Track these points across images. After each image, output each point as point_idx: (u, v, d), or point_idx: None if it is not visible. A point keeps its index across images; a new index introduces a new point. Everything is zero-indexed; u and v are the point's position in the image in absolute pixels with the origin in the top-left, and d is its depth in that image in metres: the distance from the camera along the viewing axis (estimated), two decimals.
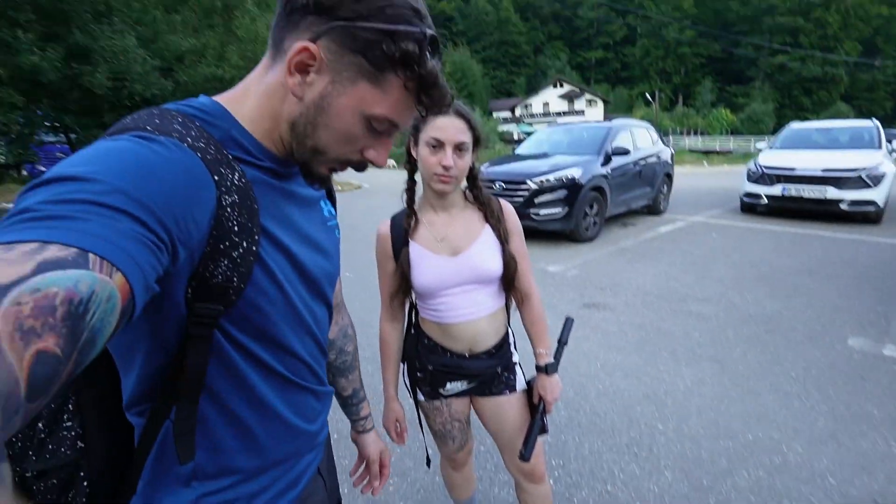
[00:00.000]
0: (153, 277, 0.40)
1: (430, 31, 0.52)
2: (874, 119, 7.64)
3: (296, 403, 0.66)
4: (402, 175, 1.19)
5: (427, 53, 0.52)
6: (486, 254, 1.14)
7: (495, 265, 1.15)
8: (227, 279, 0.51)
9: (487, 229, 1.17)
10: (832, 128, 7.72)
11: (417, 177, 1.18)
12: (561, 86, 52.30)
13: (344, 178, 14.51)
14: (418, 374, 1.26)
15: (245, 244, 0.52)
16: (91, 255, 0.34)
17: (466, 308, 1.16)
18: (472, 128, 1.09)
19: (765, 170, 6.95)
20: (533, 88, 57.91)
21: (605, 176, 6.05)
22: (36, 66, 9.61)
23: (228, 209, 0.50)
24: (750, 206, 7.41)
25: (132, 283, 0.37)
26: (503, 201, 1.24)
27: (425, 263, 1.14)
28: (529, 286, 1.24)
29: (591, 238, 5.96)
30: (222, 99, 0.58)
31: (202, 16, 14.58)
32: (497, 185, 5.83)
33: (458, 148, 1.06)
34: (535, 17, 70.67)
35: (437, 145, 1.06)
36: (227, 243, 0.50)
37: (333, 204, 0.77)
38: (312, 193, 0.69)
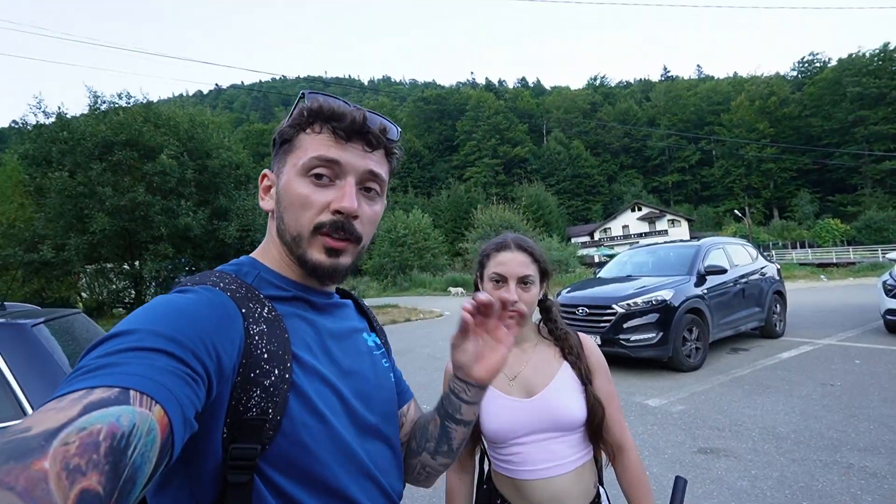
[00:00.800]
0: (192, 412, 0.42)
1: (300, 93, 0.63)
2: None
3: None
4: None
5: (307, 102, 0.61)
6: (565, 395, 1.01)
7: (577, 408, 1.00)
8: (262, 411, 0.50)
9: (566, 367, 1.05)
10: None
11: None
12: (639, 209, 52.49)
13: (426, 307, 15.01)
14: None
15: (277, 371, 0.52)
16: (132, 392, 0.37)
17: (544, 461, 0.99)
18: (536, 260, 1.05)
19: None
20: (610, 213, 58.73)
21: (700, 297, 5.54)
22: (188, 224, 12.12)
23: (257, 337, 0.53)
24: None
25: (170, 415, 0.38)
26: (583, 335, 1.14)
27: (496, 405, 1.02)
28: (623, 436, 1.05)
29: (696, 366, 5.23)
30: (254, 252, 0.68)
31: None
32: (580, 311, 5.57)
33: (523, 281, 1.02)
34: (605, 151, 75.20)
35: (501, 280, 1.02)
36: (257, 371, 0.51)
37: (380, 336, 0.76)
38: (353, 325, 0.70)
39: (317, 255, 0.61)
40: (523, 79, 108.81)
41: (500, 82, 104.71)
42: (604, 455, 1.07)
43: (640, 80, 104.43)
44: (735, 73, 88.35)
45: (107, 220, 11.45)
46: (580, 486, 1.01)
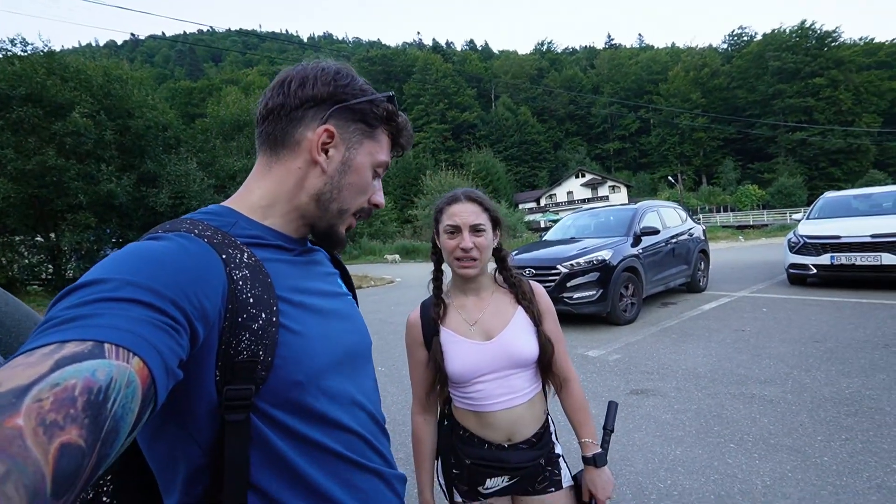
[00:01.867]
0: (174, 361, 0.41)
1: (390, 94, 0.69)
2: None
3: (359, 488, 0.60)
4: (431, 268, 1.21)
5: (401, 118, 0.70)
6: (521, 336, 1.11)
7: (531, 348, 1.10)
8: (253, 354, 0.51)
9: (520, 311, 1.14)
10: (872, 193, 7.50)
11: (445, 266, 1.19)
12: (583, 175, 54.49)
13: (377, 274, 14.94)
14: (454, 470, 1.16)
15: (264, 315, 0.53)
16: (106, 345, 0.36)
17: (503, 395, 1.09)
18: (486, 209, 1.11)
19: (807, 240, 6.68)
20: (556, 180, 60.53)
21: (636, 256, 5.96)
22: (112, 191, 11.01)
23: (240, 282, 0.53)
24: (798, 278, 7.01)
25: (151, 366, 0.37)
26: (534, 283, 1.22)
27: (458, 349, 1.10)
28: (568, 370, 1.18)
29: (631, 320, 5.70)
30: (227, 201, 0.65)
31: (254, 141, 16.73)
32: (527, 272, 5.82)
33: (475, 229, 1.08)
34: (552, 118, 76.48)
35: (455, 230, 1.09)
36: (245, 315, 0.51)
37: (345, 280, 0.79)
38: (328, 269, 0.73)
39: (342, 230, 0.70)
40: (471, 41, 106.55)
41: (448, 44, 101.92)
42: (551, 387, 1.18)
43: (586, 47, 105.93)
44: (673, 44, 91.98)
45: (10, 185, 10.11)
46: (533, 412, 1.13)
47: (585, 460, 1.11)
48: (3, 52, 11.71)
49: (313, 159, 0.63)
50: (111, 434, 0.33)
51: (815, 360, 3.79)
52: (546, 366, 1.13)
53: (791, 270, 6.99)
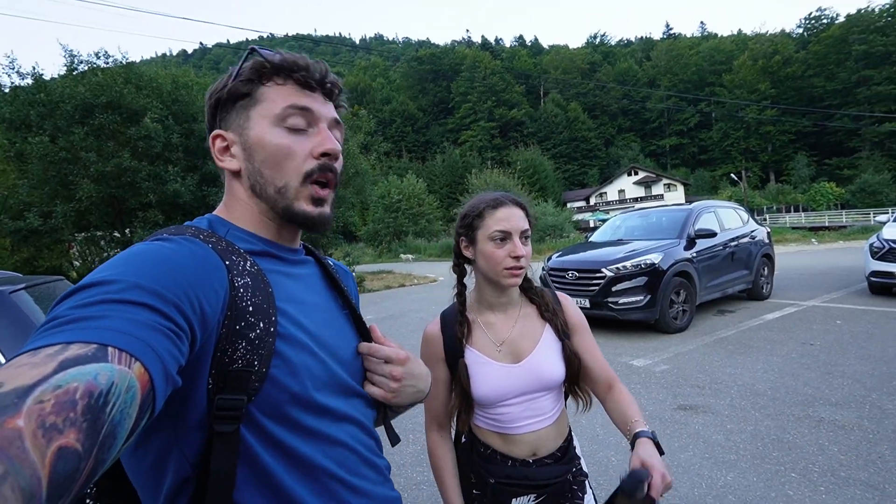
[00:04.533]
0: (174, 367, 0.41)
1: (248, 49, 0.62)
2: None
3: None
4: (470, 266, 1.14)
5: (264, 56, 0.61)
6: (550, 358, 1.05)
7: (560, 369, 1.05)
8: (248, 363, 0.50)
9: (548, 330, 1.08)
10: None
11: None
12: (636, 173, 52.07)
13: (420, 273, 15.10)
14: (475, 491, 1.08)
15: (262, 325, 0.52)
16: (110, 349, 0.36)
17: (530, 417, 1.04)
18: (528, 215, 1.06)
19: (893, 245, 5.96)
20: (607, 178, 58.29)
21: (689, 260, 5.58)
22: (177, 191, 11.89)
23: (241, 290, 0.53)
24: (881, 287, 6.28)
25: (151, 372, 0.37)
26: (561, 294, 1.16)
27: (485, 371, 1.04)
28: (609, 373, 1.10)
29: (682, 328, 5.34)
30: (218, 211, 0.66)
31: None
32: (570, 275, 5.62)
33: (524, 235, 1.03)
34: (603, 114, 73.71)
35: (505, 237, 1.01)
36: (242, 324, 0.51)
37: (339, 293, 0.74)
38: (319, 281, 0.70)
39: (304, 205, 0.62)
40: (520, 37, 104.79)
41: (497, 41, 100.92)
42: (580, 402, 1.12)
43: (642, 38, 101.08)
44: (739, 31, 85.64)
45: (93, 186, 11.18)
46: (559, 429, 1.08)
47: (638, 436, 0.91)
48: (90, 65, 12.95)
49: (223, 168, 0.64)
50: (108, 439, 0.33)
51: None
52: (573, 381, 1.07)
53: (873, 279, 6.26)
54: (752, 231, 6.87)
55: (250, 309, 0.52)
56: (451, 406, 1.09)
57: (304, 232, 0.69)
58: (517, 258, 1.00)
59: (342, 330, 0.68)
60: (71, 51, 12.79)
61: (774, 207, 43.38)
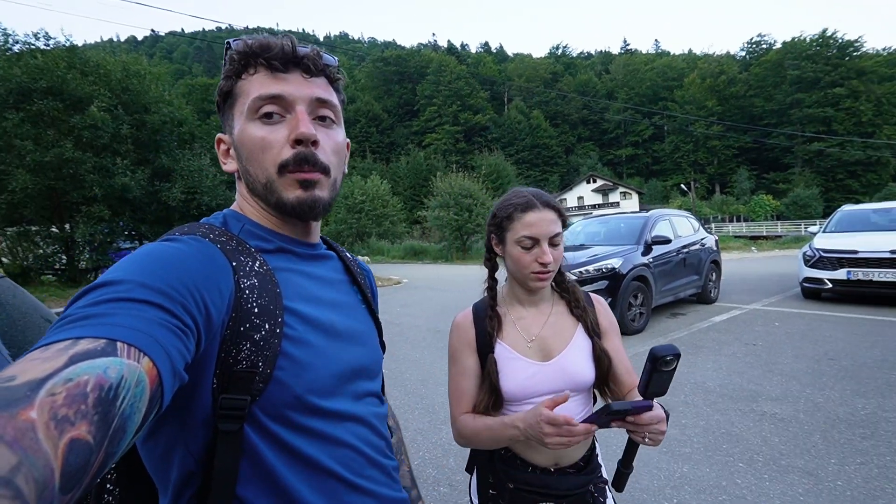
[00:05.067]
0: (181, 363, 0.42)
1: (226, 42, 0.61)
2: None
3: None
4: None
5: (232, 47, 0.60)
6: (581, 359, 1.02)
7: (590, 372, 1.01)
8: (252, 364, 0.51)
9: (580, 330, 1.05)
10: (893, 208, 7.31)
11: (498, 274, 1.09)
12: (594, 181, 54.06)
13: (384, 274, 14.96)
14: (491, 491, 1.04)
15: (268, 326, 0.52)
16: (119, 344, 0.36)
17: None
18: (561, 216, 1.01)
19: (822, 253, 6.54)
20: (567, 185, 60.16)
21: (646, 265, 5.88)
22: (126, 185, 11.17)
23: (247, 291, 0.53)
24: (813, 292, 6.87)
25: (159, 367, 0.38)
26: (595, 296, 1.13)
27: (513, 367, 1.00)
28: (634, 380, 1.04)
29: (639, 330, 5.62)
30: (233, 206, 0.66)
31: None
32: None
33: (553, 241, 0.99)
34: (565, 122, 76.06)
35: (533, 243, 0.98)
36: (247, 325, 0.51)
37: (362, 289, 0.75)
38: (338, 276, 0.70)
39: (293, 192, 0.59)
40: (486, 44, 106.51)
41: (463, 46, 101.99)
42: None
43: (601, 51, 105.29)
44: (690, 50, 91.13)
45: (28, 177, 10.27)
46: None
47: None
48: (27, 46, 11.95)
49: (229, 172, 0.65)
50: (119, 432, 0.33)
51: (829, 378, 3.69)
52: (602, 381, 1.03)
53: (805, 284, 6.84)
54: (702, 239, 7.33)
55: (256, 310, 0.52)
56: (479, 400, 1.03)
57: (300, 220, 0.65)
58: (544, 265, 0.97)
59: (361, 326, 0.68)
60: (4, 29, 11.74)
61: (719, 217, 46.32)
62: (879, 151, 52.86)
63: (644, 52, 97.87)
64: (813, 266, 6.66)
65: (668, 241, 6.30)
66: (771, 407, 3.22)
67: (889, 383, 3.49)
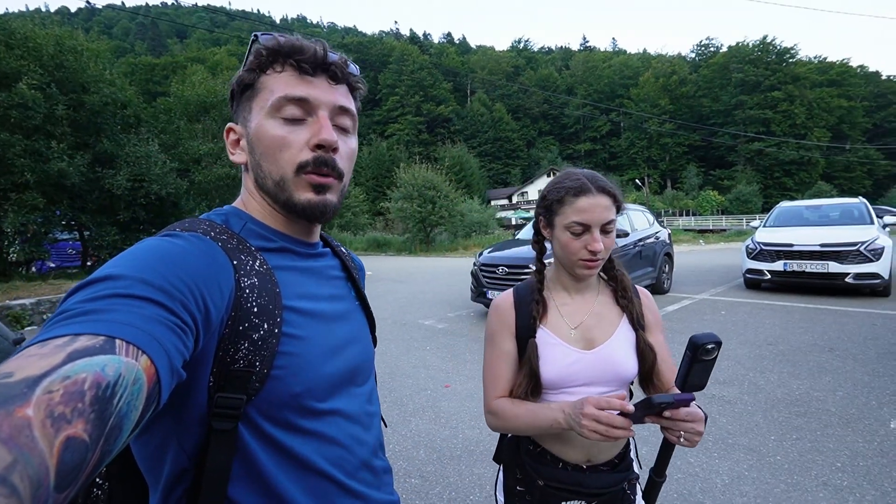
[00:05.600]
0: (179, 361, 0.41)
1: (253, 36, 0.61)
2: (861, 196, 7.96)
3: None
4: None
5: (262, 42, 0.59)
6: (625, 350, 0.97)
7: (632, 364, 0.97)
8: (249, 364, 0.50)
9: (625, 321, 1.00)
10: (822, 205, 7.98)
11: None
12: (555, 174, 55.27)
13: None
14: (518, 487, 1.01)
15: (266, 326, 0.52)
16: (118, 341, 0.36)
17: None
18: (616, 201, 0.95)
19: (763, 246, 7.05)
20: (528, 178, 61.32)
21: None
22: (63, 171, 10.30)
23: (247, 290, 0.52)
24: (754, 283, 7.41)
25: (157, 365, 0.38)
26: (642, 289, 1.08)
27: (553, 352, 0.96)
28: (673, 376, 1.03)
29: None
30: (236, 202, 0.66)
31: (222, 124, 15.97)
32: (500, 270, 5.87)
33: (605, 229, 0.93)
34: (526, 116, 77.28)
35: (584, 230, 0.92)
36: (246, 324, 0.51)
37: (354, 283, 0.75)
38: (336, 273, 0.70)
39: (304, 194, 0.59)
40: (449, 34, 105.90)
41: (426, 35, 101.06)
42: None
43: (562, 47, 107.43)
44: (645, 50, 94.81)
45: None
46: None
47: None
48: None
49: (237, 163, 0.63)
50: (115, 430, 0.33)
51: (768, 362, 4.00)
52: (646, 377, 0.98)
53: (748, 275, 7.36)
54: (657, 232, 7.70)
55: (255, 310, 0.52)
56: (518, 384, 0.98)
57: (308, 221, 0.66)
58: (594, 252, 0.92)
59: (356, 323, 0.68)
60: None
61: (671, 211, 48.81)
62: (810, 152, 57.42)
63: (602, 49, 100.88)
64: (755, 258, 7.17)
65: (626, 235, 6.57)
66: (719, 390, 3.46)
67: (819, 365, 3.84)
